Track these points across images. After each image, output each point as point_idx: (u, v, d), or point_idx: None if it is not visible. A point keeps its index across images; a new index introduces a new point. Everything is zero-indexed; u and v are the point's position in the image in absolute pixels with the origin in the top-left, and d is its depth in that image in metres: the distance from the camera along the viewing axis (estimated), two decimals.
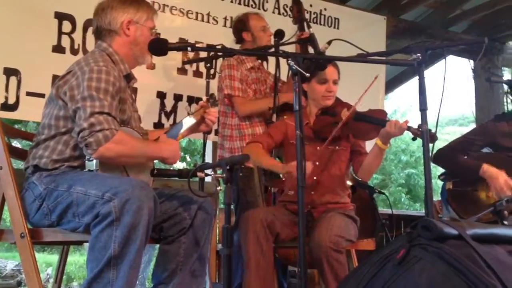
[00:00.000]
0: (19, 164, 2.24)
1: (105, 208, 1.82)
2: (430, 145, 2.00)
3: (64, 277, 2.87)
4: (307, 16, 3.87)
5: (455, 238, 1.35)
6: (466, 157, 3.15)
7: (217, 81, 3.46)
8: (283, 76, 3.43)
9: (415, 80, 2.02)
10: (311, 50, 3.17)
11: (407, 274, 1.34)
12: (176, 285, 2.08)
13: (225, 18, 3.98)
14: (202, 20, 3.92)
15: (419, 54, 1.99)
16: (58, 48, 3.37)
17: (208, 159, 3.94)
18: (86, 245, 1.96)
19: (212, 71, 3.08)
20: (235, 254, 2.72)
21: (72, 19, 3.42)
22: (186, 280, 2.11)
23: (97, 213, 1.84)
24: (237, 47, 3.41)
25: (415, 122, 2.27)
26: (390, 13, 5.00)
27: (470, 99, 5.71)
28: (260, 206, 2.92)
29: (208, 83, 2.98)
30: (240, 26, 3.39)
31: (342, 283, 1.55)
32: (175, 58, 3.74)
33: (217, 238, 3.34)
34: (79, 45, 3.43)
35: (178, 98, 3.77)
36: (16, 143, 6.25)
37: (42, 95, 3.15)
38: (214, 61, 3.47)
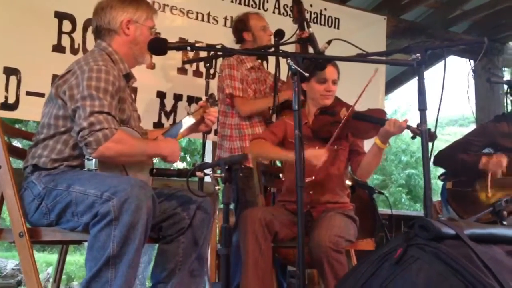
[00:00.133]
0: (19, 164, 2.24)
1: (104, 208, 1.82)
2: (430, 144, 2.00)
3: (64, 276, 2.87)
4: (307, 16, 3.87)
5: (453, 238, 1.35)
6: (465, 155, 3.16)
7: (216, 81, 3.46)
8: (283, 76, 3.43)
9: (415, 81, 2.02)
10: (311, 50, 3.17)
11: (404, 274, 1.34)
12: (175, 284, 2.09)
13: (225, 18, 3.98)
14: (202, 20, 3.92)
15: (418, 54, 1.99)
16: (58, 48, 3.38)
17: (208, 159, 3.94)
18: (86, 244, 1.96)
19: (212, 71, 3.09)
20: (234, 254, 2.73)
21: (72, 19, 3.43)
22: (185, 279, 2.11)
23: (96, 213, 1.84)
24: (237, 47, 3.41)
25: (415, 123, 2.28)
26: (390, 13, 5.00)
27: (471, 100, 5.70)
28: (259, 206, 2.92)
29: (207, 83, 2.98)
30: (240, 26, 3.39)
31: (340, 282, 1.55)
32: (175, 58, 3.74)
33: (217, 238, 3.34)
34: (79, 44, 3.44)
35: (178, 97, 3.77)
36: (16, 143, 6.25)
37: (42, 95, 3.15)
38: (214, 61, 3.48)
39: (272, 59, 3.63)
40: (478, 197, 3.11)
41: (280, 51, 3.11)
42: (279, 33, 3.20)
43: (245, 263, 2.40)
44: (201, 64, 3.71)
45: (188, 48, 2.19)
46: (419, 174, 13.29)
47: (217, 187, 2.04)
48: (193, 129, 2.32)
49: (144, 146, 2.10)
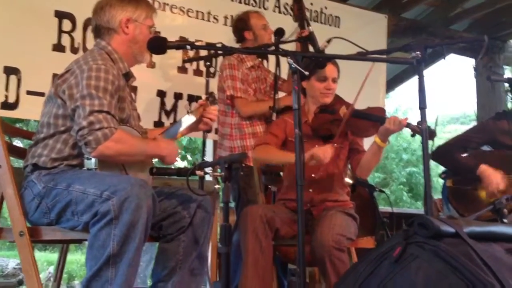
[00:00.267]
0: (20, 163, 2.24)
1: (104, 207, 1.83)
2: (430, 142, 2.00)
3: (65, 275, 2.88)
4: (307, 14, 3.87)
5: (452, 236, 1.35)
6: (464, 155, 3.15)
7: (217, 80, 3.46)
8: (284, 75, 3.43)
9: (416, 79, 2.01)
10: (311, 48, 3.17)
11: (403, 272, 1.33)
12: (176, 283, 2.09)
13: (226, 17, 3.98)
14: (203, 19, 3.92)
15: (418, 52, 1.99)
16: (58, 47, 3.37)
17: (209, 157, 3.92)
18: (86, 243, 1.97)
19: (212, 70, 3.09)
20: (235, 253, 2.73)
21: (72, 18, 3.43)
22: (185, 278, 2.11)
23: (96, 212, 1.84)
24: (237, 46, 3.41)
25: (415, 121, 2.28)
26: (391, 11, 4.99)
27: (472, 98, 5.70)
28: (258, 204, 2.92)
29: (208, 82, 2.98)
30: (241, 25, 3.39)
31: (340, 280, 1.55)
32: (175, 56, 3.74)
33: (218, 237, 3.34)
34: (79, 43, 3.43)
35: (178, 96, 3.77)
36: (17, 142, 6.26)
37: (42, 94, 3.15)
38: (214, 59, 3.48)
39: (272, 58, 3.63)
40: (478, 195, 3.11)
41: (280, 50, 3.11)
42: (279, 32, 3.20)
43: (245, 260, 2.40)
44: (201, 63, 3.70)
45: (188, 47, 2.18)
46: (420, 172, 13.29)
47: (217, 186, 2.04)
48: (193, 127, 2.32)
49: (144, 145, 2.10)
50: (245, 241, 2.40)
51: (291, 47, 3.24)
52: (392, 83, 6.46)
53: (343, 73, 2.79)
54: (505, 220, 2.14)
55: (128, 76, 2.23)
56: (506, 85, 2.90)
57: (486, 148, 3.26)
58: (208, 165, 2.05)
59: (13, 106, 3.23)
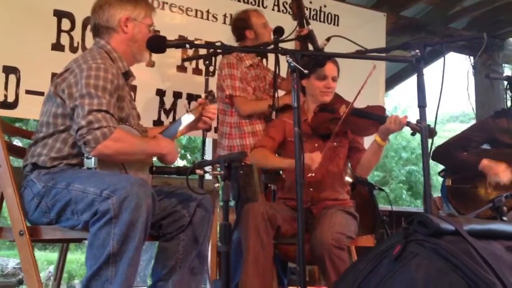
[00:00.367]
0: (20, 163, 2.24)
1: (104, 206, 1.82)
2: (429, 141, 2.00)
3: (65, 275, 2.88)
4: (306, 12, 3.87)
5: (452, 233, 1.35)
6: (465, 153, 3.15)
7: (216, 78, 3.46)
8: (283, 73, 3.43)
9: (415, 77, 2.01)
10: (310, 47, 3.17)
11: (403, 270, 1.33)
12: (175, 282, 2.09)
13: (225, 15, 3.98)
14: (202, 18, 3.92)
15: (417, 51, 1.98)
16: (57, 46, 3.37)
17: (208, 156, 3.93)
18: (86, 242, 1.97)
19: (211, 69, 3.09)
20: (235, 251, 2.73)
21: (71, 17, 3.43)
22: (185, 277, 2.11)
23: (96, 211, 1.84)
24: (236, 44, 3.41)
25: (415, 119, 2.28)
26: (390, 9, 4.99)
27: (471, 96, 5.70)
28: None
29: (207, 80, 2.98)
30: (242, 24, 3.38)
31: (339, 279, 1.55)
32: (174, 55, 3.74)
33: (218, 236, 3.34)
34: (78, 43, 3.43)
35: (177, 95, 3.77)
36: (17, 142, 6.26)
37: (41, 93, 3.15)
38: (213, 58, 3.48)
39: (271, 56, 3.63)
40: (478, 193, 3.11)
41: (280, 48, 3.10)
42: (279, 30, 3.20)
43: (246, 257, 2.40)
44: (201, 61, 3.71)
45: (187, 45, 2.19)
46: (419, 170, 13.29)
47: (216, 185, 2.04)
48: (192, 126, 2.32)
49: (144, 144, 2.10)
50: (246, 238, 2.40)
51: (290, 45, 3.24)
52: (391, 81, 6.46)
53: (342, 72, 2.79)
54: (504, 218, 2.15)
55: (127, 75, 2.23)
56: (505, 83, 2.90)
57: (485, 146, 3.26)
58: (207, 164, 2.05)
59: (12, 105, 3.23)
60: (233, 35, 3.45)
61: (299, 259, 1.88)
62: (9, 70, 3.22)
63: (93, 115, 1.93)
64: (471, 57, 5.73)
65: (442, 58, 2.08)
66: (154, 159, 2.24)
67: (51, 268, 7.85)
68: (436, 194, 3.73)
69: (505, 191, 2.85)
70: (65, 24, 3.41)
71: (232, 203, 3.33)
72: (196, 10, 3.89)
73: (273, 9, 4.20)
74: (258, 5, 4.09)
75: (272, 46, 3.19)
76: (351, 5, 4.70)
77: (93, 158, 1.96)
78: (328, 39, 2.82)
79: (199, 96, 2.52)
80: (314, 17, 4.38)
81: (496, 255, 1.32)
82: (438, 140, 3.25)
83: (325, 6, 4.45)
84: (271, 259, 2.46)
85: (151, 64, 3.64)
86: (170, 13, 3.79)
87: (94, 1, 2.24)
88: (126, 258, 1.82)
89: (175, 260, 2.11)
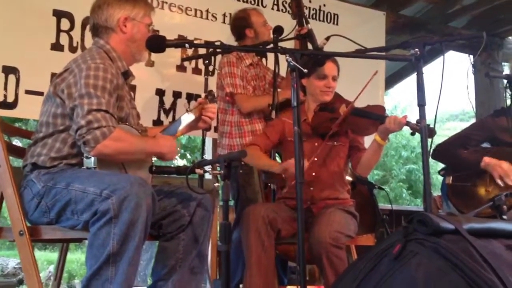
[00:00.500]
0: (20, 163, 2.24)
1: (104, 206, 1.82)
2: (429, 140, 2.00)
3: (65, 274, 2.88)
4: (306, 12, 3.87)
5: (452, 232, 1.35)
6: (465, 151, 3.15)
7: (216, 78, 3.46)
8: (282, 72, 3.43)
9: (415, 76, 2.01)
10: (310, 46, 3.17)
11: (403, 269, 1.33)
12: (175, 281, 2.09)
13: (224, 15, 3.98)
14: (201, 17, 3.92)
15: (417, 49, 1.98)
16: (56, 46, 3.37)
17: (208, 156, 3.93)
18: (86, 242, 1.97)
19: (210, 68, 3.08)
20: (235, 251, 2.73)
21: (70, 17, 3.42)
22: (185, 276, 2.11)
23: (96, 211, 1.84)
24: (235, 43, 3.41)
25: (415, 118, 2.28)
26: (390, 8, 4.99)
27: (470, 95, 5.69)
28: (260, 202, 2.92)
29: (206, 80, 2.98)
30: (242, 23, 3.38)
31: (339, 278, 1.55)
32: (174, 55, 3.73)
33: (218, 235, 3.34)
34: (77, 43, 3.43)
35: (177, 95, 3.76)
36: (17, 142, 6.26)
37: (41, 93, 3.15)
38: (212, 57, 3.47)
39: (271, 56, 3.63)
40: (477, 192, 3.11)
41: (279, 48, 3.10)
42: (278, 30, 3.19)
43: (248, 259, 2.41)
44: (200, 61, 3.71)
45: (187, 45, 2.19)
46: (419, 169, 13.29)
47: (216, 184, 2.04)
48: (192, 126, 2.32)
49: (143, 143, 2.09)
50: (248, 241, 2.41)
51: (289, 44, 3.24)
52: (391, 80, 6.46)
53: (341, 71, 2.79)
54: (504, 217, 2.14)
55: (126, 74, 2.23)
56: (505, 81, 2.89)
57: (485, 145, 3.26)
58: (207, 163, 2.05)
59: (12, 105, 3.23)
60: (232, 34, 3.45)
61: (299, 259, 1.88)
62: (9, 70, 3.22)
63: (93, 114, 1.93)
64: (471, 56, 5.73)
65: (442, 56, 2.08)
66: (154, 157, 2.24)
67: (51, 268, 7.86)
68: (436, 193, 3.73)
69: (505, 189, 2.85)
70: (65, 24, 3.41)
71: (231, 203, 3.33)
72: (196, 10, 3.89)
73: (272, 8, 4.20)
74: (258, 4, 4.09)
75: (271, 45, 3.19)
76: (351, 4, 4.69)
77: (92, 158, 1.97)
78: (327, 38, 2.82)
79: (199, 96, 2.53)
80: (314, 16, 4.37)
81: (495, 254, 1.32)
82: (438, 139, 3.25)
83: (324, 5, 4.44)
84: (272, 260, 2.47)
85: (150, 63, 3.64)
86: (170, 13, 3.78)
87: (93, 1, 2.24)
88: (126, 258, 1.82)
89: (175, 259, 2.11)
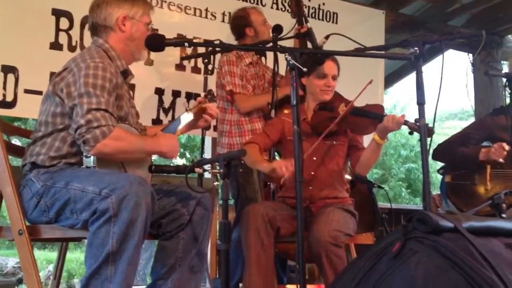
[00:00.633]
0: (19, 162, 2.24)
1: (103, 205, 1.82)
2: (428, 139, 2.00)
3: (65, 274, 2.88)
4: (305, 10, 3.86)
5: (451, 231, 1.35)
6: (464, 148, 3.16)
7: (215, 77, 3.45)
8: (282, 71, 3.43)
9: (414, 75, 2.01)
10: (309, 45, 3.16)
11: (403, 267, 1.34)
12: (175, 280, 2.09)
13: (223, 14, 3.97)
14: (200, 16, 3.91)
15: (416, 48, 1.98)
16: (55, 45, 3.37)
17: (207, 155, 3.93)
18: (86, 241, 1.97)
19: (210, 67, 3.08)
20: (235, 250, 2.73)
21: (69, 16, 3.42)
22: (185, 275, 2.11)
23: (95, 210, 1.84)
24: (234, 42, 3.41)
25: (414, 117, 2.28)
26: (389, 7, 4.99)
27: (470, 93, 5.69)
28: (259, 201, 2.92)
29: (206, 79, 2.98)
30: (242, 22, 3.38)
31: (338, 276, 1.55)
32: (173, 54, 3.73)
33: (217, 234, 3.34)
34: (76, 42, 3.43)
35: (176, 94, 3.76)
36: (16, 141, 6.26)
37: (40, 93, 3.14)
38: (212, 56, 3.47)
39: (270, 54, 3.63)
40: (477, 190, 3.12)
41: (278, 46, 3.10)
42: (277, 28, 3.19)
43: (248, 258, 2.41)
44: (199, 60, 3.70)
45: (186, 44, 2.19)
46: (418, 168, 13.30)
47: (216, 183, 2.04)
48: (191, 125, 2.32)
49: (143, 143, 2.09)
50: (247, 240, 2.41)
51: (289, 43, 3.24)
52: (390, 79, 6.46)
53: (341, 70, 2.79)
54: (504, 215, 2.15)
55: (126, 73, 2.23)
56: (504, 80, 2.90)
57: (485, 144, 3.27)
58: (207, 162, 2.05)
59: (11, 104, 3.23)
60: (232, 33, 3.45)
61: (298, 257, 1.88)
62: (8, 69, 3.22)
63: (92, 114, 1.93)
64: (470, 55, 5.73)
65: (441, 55, 2.08)
66: (154, 156, 2.24)
67: (51, 267, 7.86)
68: (435, 191, 3.73)
69: (504, 188, 2.85)
70: (63, 23, 3.40)
71: (231, 202, 3.33)
72: (195, 9, 3.89)
73: (271, 7, 4.19)
74: (257, 3, 4.09)
75: (270, 44, 3.19)
76: (350, 2, 4.69)
77: (92, 157, 1.96)
78: (327, 37, 2.82)
79: (198, 95, 2.53)
80: (313, 15, 4.37)
81: (495, 252, 1.32)
82: (438, 138, 3.26)
83: (323, 4, 4.44)
84: (272, 258, 2.47)
85: (149, 62, 3.64)
86: (169, 12, 3.78)
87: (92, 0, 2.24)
88: (125, 257, 1.82)
89: (175, 258, 2.11)
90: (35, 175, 2.02)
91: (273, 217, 2.45)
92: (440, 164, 3.39)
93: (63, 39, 3.40)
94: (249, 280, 2.39)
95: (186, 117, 2.26)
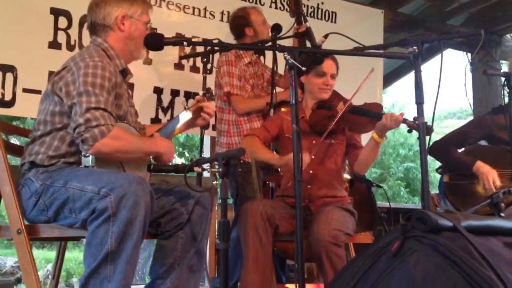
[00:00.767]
0: (17, 161, 2.24)
1: (102, 204, 1.82)
2: (427, 137, 2.00)
3: (63, 273, 2.88)
4: (304, 10, 3.86)
5: (450, 230, 1.35)
6: (461, 150, 3.16)
7: (214, 76, 3.45)
8: (281, 70, 3.43)
9: (413, 74, 2.01)
10: (308, 44, 3.17)
11: (402, 266, 1.34)
12: (174, 280, 2.09)
13: (222, 13, 3.97)
14: (199, 15, 3.91)
15: (415, 47, 1.98)
16: (54, 44, 3.37)
17: (206, 154, 3.93)
18: (84, 240, 1.97)
19: (209, 66, 3.08)
20: (234, 249, 2.73)
21: (68, 15, 3.42)
22: (183, 275, 2.11)
23: (94, 209, 1.84)
24: (233, 42, 3.41)
25: (413, 116, 2.27)
26: (388, 6, 4.99)
27: (468, 92, 5.70)
28: (257, 199, 2.91)
29: (205, 78, 2.97)
30: (242, 22, 3.37)
31: (338, 275, 1.55)
32: (172, 53, 3.73)
33: (216, 233, 3.34)
34: (75, 41, 3.43)
35: (175, 93, 3.76)
36: (14, 140, 6.25)
37: (38, 92, 3.14)
38: (211, 56, 3.47)
39: (269, 54, 3.63)
40: (475, 190, 3.12)
41: (277, 46, 3.10)
42: (276, 28, 3.19)
43: (246, 255, 2.41)
44: (198, 59, 3.70)
45: (185, 43, 2.18)
46: (417, 167, 13.29)
47: (215, 182, 2.04)
48: (190, 124, 2.32)
49: (141, 143, 2.09)
50: (246, 237, 2.41)
51: (288, 42, 3.24)
52: (389, 78, 6.47)
53: (340, 69, 2.79)
54: (502, 214, 2.15)
55: (125, 72, 2.23)
56: (503, 79, 2.90)
57: (483, 143, 3.27)
58: (205, 162, 2.05)
59: (9, 104, 3.23)
60: (231, 33, 3.45)
61: (297, 257, 1.88)
62: (6, 68, 3.21)
63: (91, 113, 1.93)
64: (469, 54, 5.73)
65: (440, 54, 2.08)
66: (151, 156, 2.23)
67: (49, 266, 7.85)
68: (434, 191, 3.74)
69: (502, 187, 2.86)
70: (62, 22, 3.40)
71: (230, 201, 3.33)
72: (194, 8, 3.89)
73: (270, 6, 4.19)
74: (256, 3, 4.09)
75: (270, 43, 3.19)
76: (349, 2, 4.69)
77: (90, 156, 1.96)
78: (326, 36, 2.82)
79: (197, 94, 2.52)
80: (312, 14, 4.37)
81: (494, 251, 1.32)
82: (436, 137, 3.26)
83: (322, 3, 4.44)
84: (270, 257, 2.46)
85: (148, 61, 3.64)
86: (167, 11, 3.78)
87: None
88: (124, 256, 1.82)
89: (174, 258, 2.11)
90: (34, 174, 2.01)
91: (272, 215, 2.45)
92: (438, 164, 3.39)
93: (61, 38, 3.39)
94: (246, 278, 2.39)
95: (185, 116, 2.26)
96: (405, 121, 2.39)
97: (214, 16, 3.96)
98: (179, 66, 3.80)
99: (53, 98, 2.06)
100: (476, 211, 2.41)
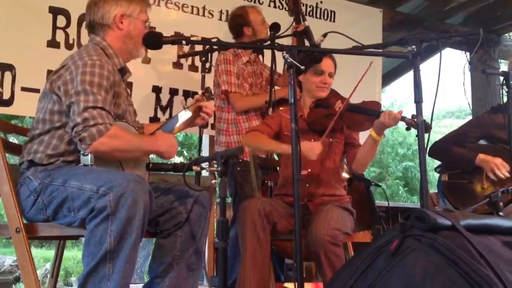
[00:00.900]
0: (16, 160, 2.24)
1: (100, 203, 1.82)
2: (425, 135, 2.00)
3: (62, 272, 2.88)
4: (303, 8, 3.86)
5: (449, 228, 1.35)
6: (462, 148, 3.16)
7: (212, 75, 3.45)
8: (279, 69, 3.43)
9: (411, 73, 2.01)
10: (307, 43, 3.17)
11: (400, 265, 1.34)
12: (172, 278, 2.09)
13: (221, 12, 3.97)
14: (198, 14, 3.91)
15: (414, 46, 1.98)
16: (52, 43, 3.36)
17: (205, 153, 3.93)
18: (83, 239, 1.96)
19: (207, 65, 3.07)
20: (232, 247, 2.73)
21: (66, 14, 3.41)
22: (182, 274, 2.11)
23: (93, 208, 1.84)
24: (232, 40, 3.40)
25: (411, 114, 2.28)
26: (386, 5, 4.99)
27: (467, 92, 5.71)
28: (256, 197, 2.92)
29: (203, 77, 2.97)
30: (240, 21, 3.37)
31: (336, 274, 1.55)
32: (170, 52, 3.73)
33: (215, 232, 3.34)
34: (74, 39, 3.42)
35: (173, 92, 3.76)
36: (13, 139, 6.24)
37: (37, 90, 3.13)
38: (209, 54, 3.46)
39: (268, 53, 3.63)
40: (474, 189, 3.12)
41: (276, 44, 3.10)
42: (275, 27, 3.19)
43: (244, 253, 2.41)
44: (197, 58, 3.68)
45: (183, 42, 2.18)
46: (416, 166, 13.30)
47: (213, 181, 2.04)
48: (189, 123, 2.31)
49: (140, 141, 2.09)
50: (243, 234, 2.41)
51: (286, 41, 3.24)
52: (388, 77, 6.47)
53: (338, 68, 2.79)
54: (501, 213, 2.16)
55: (123, 71, 2.22)
56: (501, 78, 2.90)
57: (482, 142, 3.27)
58: (204, 160, 2.05)
59: (8, 102, 3.22)
60: (230, 32, 3.44)
61: (296, 256, 1.88)
62: (5, 67, 3.21)
63: (89, 112, 1.92)
64: (468, 53, 5.74)
65: (439, 54, 2.08)
66: (152, 155, 2.23)
67: (48, 265, 7.84)
68: (432, 190, 3.74)
69: (500, 186, 2.86)
70: (61, 21, 3.39)
71: (229, 200, 3.33)
72: (192, 7, 3.88)
73: (269, 5, 4.19)
74: (255, 2, 4.08)
75: (268, 42, 3.19)
76: (348, 1, 4.69)
77: (89, 155, 1.96)
78: (324, 35, 2.82)
79: (196, 93, 2.52)
80: (311, 13, 4.37)
81: (492, 250, 1.33)
82: (434, 136, 3.26)
83: (321, 2, 4.44)
84: (268, 254, 2.46)
85: (147, 60, 3.64)
86: (166, 10, 3.77)
87: None
88: (123, 255, 1.82)
89: (172, 256, 2.11)
90: (33, 173, 2.01)
91: (270, 212, 2.45)
92: (437, 163, 3.40)
93: (60, 37, 3.39)
94: (244, 275, 2.38)
95: (184, 115, 2.25)
96: (403, 118, 2.40)
97: (212, 15, 3.95)
98: (177, 65, 3.80)
99: (51, 97, 2.05)
100: (475, 210, 2.41)
